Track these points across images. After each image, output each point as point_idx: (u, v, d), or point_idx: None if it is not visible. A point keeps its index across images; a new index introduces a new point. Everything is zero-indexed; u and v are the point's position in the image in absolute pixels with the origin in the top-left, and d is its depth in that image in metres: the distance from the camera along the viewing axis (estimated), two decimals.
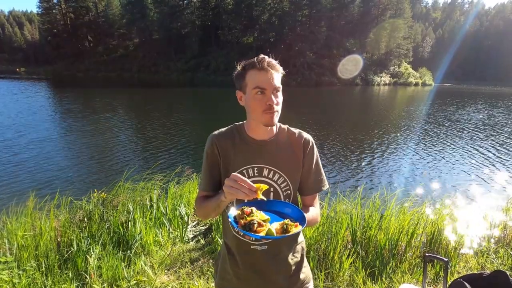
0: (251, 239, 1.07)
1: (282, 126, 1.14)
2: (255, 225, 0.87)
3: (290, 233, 0.86)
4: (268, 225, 0.89)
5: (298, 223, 0.90)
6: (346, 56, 45.37)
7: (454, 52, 74.72)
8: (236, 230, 1.08)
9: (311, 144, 1.12)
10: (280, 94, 1.02)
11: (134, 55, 48.05)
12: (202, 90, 30.59)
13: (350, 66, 41.82)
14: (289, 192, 1.09)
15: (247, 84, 1.00)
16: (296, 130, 1.14)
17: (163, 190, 3.65)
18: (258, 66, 0.98)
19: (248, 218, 0.89)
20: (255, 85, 0.98)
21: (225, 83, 33.29)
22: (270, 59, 1.00)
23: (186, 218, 3.20)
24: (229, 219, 0.91)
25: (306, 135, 1.13)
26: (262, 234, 0.86)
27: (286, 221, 0.89)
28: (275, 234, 0.86)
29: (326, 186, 1.16)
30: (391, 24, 49.28)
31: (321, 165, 1.16)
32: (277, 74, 1.00)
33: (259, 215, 0.92)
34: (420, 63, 61.44)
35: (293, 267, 1.15)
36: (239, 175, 0.89)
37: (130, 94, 24.98)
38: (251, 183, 0.87)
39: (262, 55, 1.00)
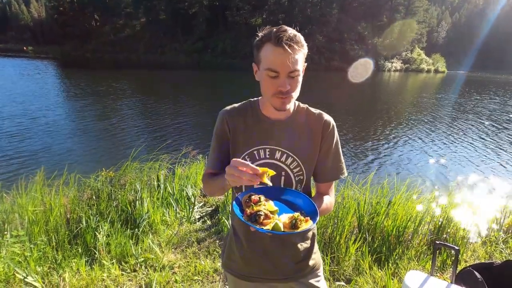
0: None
1: (301, 105, 1.04)
2: (262, 217, 0.81)
3: (299, 230, 0.79)
4: (276, 217, 0.83)
5: (309, 218, 0.82)
6: (356, 40, 43.92)
7: (470, 38, 71.85)
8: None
9: (331, 126, 1.01)
10: (298, 78, 0.89)
11: (140, 35, 47.35)
12: (209, 72, 30.23)
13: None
14: (301, 177, 1.02)
15: (261, 60, 0.88)
16: (317, 111, 1.03)
17: (170, 171, 3.67)
18: (274, 42, 0.83)
19: (255, 208, 0.83)
20: (267, 65, 0.85)
21: (232, 66, 32.81)
22: (293, 33, 0.84)
23: (193, 199, 3.22)
24: (234, 210, 0.85)
25: (327, 116, 1.02)
26: (268, 227, 0.79)
27: (296, 215, 0.82)
28: (282, 229, 0.79)
29: (345, 174, 1.07)
30: (405, 6, 47.25)
31: (341, 151, 1.06)
32: (298, 53, 0.85)
33: (267, 205, 0.85)
34: (434, 49, 59.44)
35: (302, 254, 1.09)
36: (239, 160, 0.81)
37: (137, 75, 24.87)
38: (254, 167, 0.80)
39: (284, 27, 0.85)
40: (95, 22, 52.16)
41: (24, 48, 59.48)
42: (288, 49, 0.83)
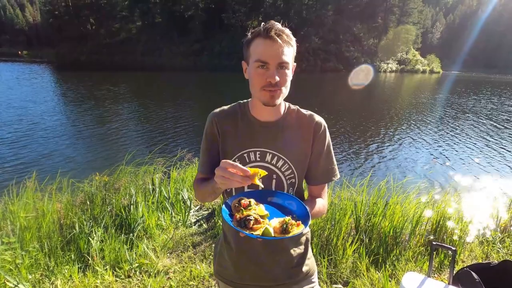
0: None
1: (292, 107, 1.02)
2: (251, 222, 0.78)
3: (290, 235, 0.76)
4: (267, 221, 0.81)
5: (300, 222, 0.80)
6: (352, 41, 44.13)
7: (464, 38, 72.58)
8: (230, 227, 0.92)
9: (323, 128, 0.99)
10: (288, 71, 0.88)
11: (137, 38, 47.28)
12: (206, 74, 30.22)
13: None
14: (293, 180, 1.00)
15: (250, 54, 0.89)
16: (308, 112, 1.02)
17: (165, 175, 3.63)
18: (264, 35, 0.84)
19: (245, 212, 0.81)
20: (257, 57, 0.85)
21: (230, 68, 32.79)
22: (281, 27, 0.85)
23: (188, 203, 3.18)
24: (223, 214, 0.82)
25: (318, 118, 1.01)
26: (258, 232, 0.77)
27: (287, 219, 0.80)
28: (272, 234, 0.77)
29: (337, 176, 1.05)
30: (400, 8, 47.65)
31: (333, 153, 1.04)
32: (287, 46, 0.86)
33: (257, 209, 0.83)
34: (428, 50, 59.86)
35: (295, 259, 1.06)
36: (229, 161, 0.79)
37: (134, 78, 24.77)
38: (244, 168, 0.77)
39: (272, 22, 0.86)
40: (91, 26, 52.00)
41: (19, 52, 59.15)
42: (278, 39, 0.84)
